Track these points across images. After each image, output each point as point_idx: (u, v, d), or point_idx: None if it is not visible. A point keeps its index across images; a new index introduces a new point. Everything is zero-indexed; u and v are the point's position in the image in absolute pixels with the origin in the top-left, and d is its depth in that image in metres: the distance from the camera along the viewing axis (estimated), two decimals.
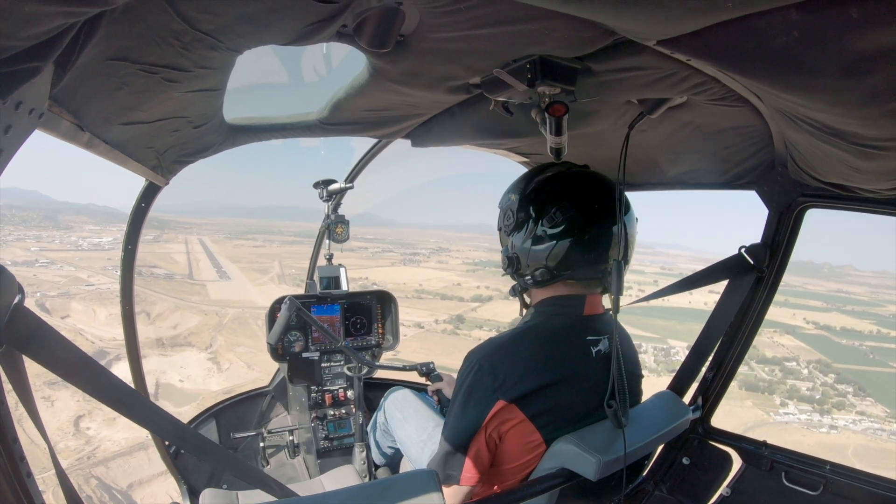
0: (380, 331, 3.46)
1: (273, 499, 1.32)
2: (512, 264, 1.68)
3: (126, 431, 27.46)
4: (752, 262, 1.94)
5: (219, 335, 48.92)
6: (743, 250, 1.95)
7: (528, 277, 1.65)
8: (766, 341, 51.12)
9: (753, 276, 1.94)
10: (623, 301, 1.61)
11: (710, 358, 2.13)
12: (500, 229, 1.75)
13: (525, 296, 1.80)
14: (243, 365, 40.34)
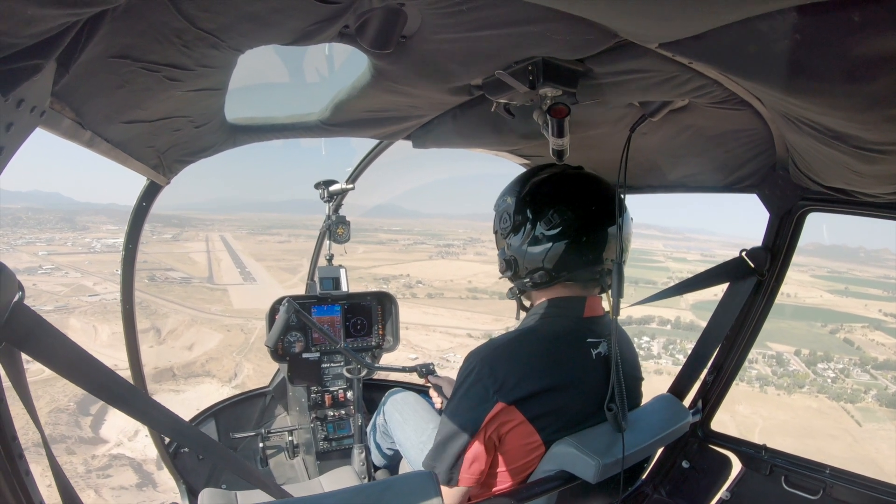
0: (380, 332, 3.46)
1: (271, 499, 1.32)
2: (510, 267, 1.68)
3: None
4: (752, 265, 1.93)
5: (245, 361, 39.48)
6: (744, 253, 1.95)
7: (527, 280, 1.65)
8: (861, 339, 47.39)
9: (754, 280, 1.94)
10: (623, 303, 1.61)
11: (711, 361, 2.12)
12: (496, 232, 1.76)
13: (524, 298, 1.80)
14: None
